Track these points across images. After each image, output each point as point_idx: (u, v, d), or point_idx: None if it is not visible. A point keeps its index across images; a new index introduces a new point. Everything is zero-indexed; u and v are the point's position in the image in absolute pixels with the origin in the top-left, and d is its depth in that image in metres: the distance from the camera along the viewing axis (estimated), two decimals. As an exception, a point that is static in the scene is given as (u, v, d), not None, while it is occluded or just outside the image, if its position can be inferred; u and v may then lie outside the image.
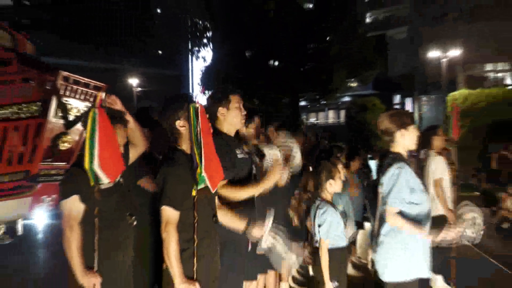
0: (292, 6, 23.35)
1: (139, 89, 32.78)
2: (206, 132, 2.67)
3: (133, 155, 3.40)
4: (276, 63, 24.59)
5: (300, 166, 4.35)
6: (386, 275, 3.05)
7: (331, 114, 42.43)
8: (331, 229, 3.45)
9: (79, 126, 6.18)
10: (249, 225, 3.01)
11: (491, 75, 28.25)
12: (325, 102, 30.00)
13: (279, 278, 5.31)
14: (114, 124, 3.06)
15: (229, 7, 23.25)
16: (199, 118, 2.65)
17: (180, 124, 2.86)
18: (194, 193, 2.69)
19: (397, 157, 3.09)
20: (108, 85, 6.95)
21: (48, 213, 9.52)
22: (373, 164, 7.99)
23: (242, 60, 24.25)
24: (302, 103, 28.93)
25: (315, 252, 3.58)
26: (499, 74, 28.23)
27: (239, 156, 3.33)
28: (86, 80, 6.42)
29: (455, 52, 21.76)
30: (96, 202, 2.91)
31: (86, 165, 2.82)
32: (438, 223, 5.73)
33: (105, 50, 34.80)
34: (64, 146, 6.23)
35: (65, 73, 6.07)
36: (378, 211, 3.19)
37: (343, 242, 3.58)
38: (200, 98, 28.12)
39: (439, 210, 5.72)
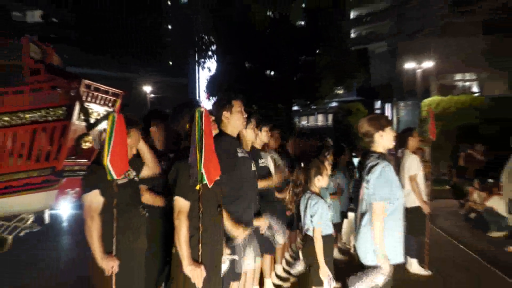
0: (285, 24, 23.42)
1: (152, 95, 32.77)
2: (208, 134, 2.66)
3: (145, 173, 3.35)
4: (272, 73, 24.62)
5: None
6: (366, 260, 3.04)
7: (320, 117, 42.38)
8: (322, 219, 3.45)
9: (98, 127, 6.19)
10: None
11: (460, 83, 28.27)
12: (314, 107, 30.02)
13: (274, 261, 5.32)
14: (129, 129, 3.05)
15: (231, 25, 23.29)
16: (203, 121, 2.64)
17: (190, 126, 2.87)
18: (198, 187, 2.68)
19: (381, 157, 3.08)
20: (125, 92, 6.94)
21: (71, 204, 9.52)
22: (356, 161, 8.01)
23: (242, 70, 24.29)
24: (295, 108, 28.92)
25: (305, 239, 3.58)
26: (467, 83, 28.27)
27: (240, 155, 3.33)
28: (105, 87, 6.42)
29: (428, 64, 21.79)
30: (114, 195, 2.91)
31: (105, 161, 2.81)
32: (414, 213, 5.78)
33: (122, 61, 34.80)
34: (85, 145, 6.22)
35: (87, 81, 6.06)
36: (359, 204, 3.19)
37: (330, 230, 3.57)
38: (206, 103, 28.13)
39: (415, 202, 5.74)
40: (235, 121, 3.31)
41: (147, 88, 32.25)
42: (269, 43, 22.52)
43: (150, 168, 3.35)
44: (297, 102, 26.29)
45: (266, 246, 4.27)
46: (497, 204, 8.24)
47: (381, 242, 2.88)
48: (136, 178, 3.19)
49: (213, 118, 3.00)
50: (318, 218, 3.46)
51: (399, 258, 3.00)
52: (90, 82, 6.13)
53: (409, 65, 22.93)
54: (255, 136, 3.90)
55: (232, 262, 3.18)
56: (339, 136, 25.26)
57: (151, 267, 3.49)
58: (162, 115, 3.77)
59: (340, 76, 23.94)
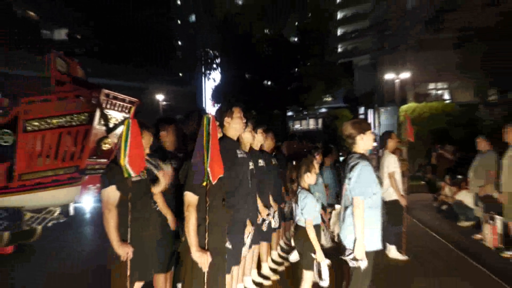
0: (280, 41, 23.51)
1: (164, 103, 32.75)
2: (214, 137, 2.66)
3: (157, 188, 3.35)
4: (269, 83, 24.68)
5: None
6: (349, 246, 3.01)
7: (311, 122, 42.43)
8: (311, 210, 3.45)
9: (116, 131, 6.19)
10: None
11: (433, 92, 28.34)
12: (306, 112, 30.09)
13: (270, 247, 5.32)
14: (142, 131, 3.06)
15: (233, 42, 23.35)
16: (210, 126, 2.64)
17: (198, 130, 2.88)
18: (204, 183, 2.68)
19: (361, 157, 3.07)
20: (140, 100, 6.93)
21: (93, 198, 9.53)
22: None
23: (243, 81, 24.35)
24: (289, 114, 28.99)
25: (296, 228, 3.58)
26: (439, 91, 28.34)
27: (239, 155, 3.33)
28: (123, 96, 6.40)
29: (405, 75, 21.83)
30: (128, 190, 2.91)
31: (122, 161, 2.81)
32: (393, 206, 5.78)
33: (138, 72, 34.88)
34: (105, 147, 6.22)
35: (107, 91, 6.05)
36: (343, 198, 3.19)
37: (318, 221, 3.57)
38: (211, 110, 28.16)
39: (393, 196, 5.74)
40: (235, 126, 3.31)
41: (160, 97, 32.25)
42: (266, 58, 22.61)
43: (160, 186, 3.34)
44: (291, 108, 26.36)
45: (262, 234, 4.28)
46: (465, 197, 8.23)
47: (361, 231, 2.88)
48: (146, 176, 3.19)
49: (217, 123, 3.01)
50: (308, 210, 3.45)
51: (377, 245, 3.00)
52: (109, 91, 6.12)
53: (388, 76, 22.99)
54: (253, 138, 3.90)
55: (234, 247, 3.18)
56: (328, 138, 25.34)
57: (163, 253, 3.50)
58: (170, 121, 3.77)
59: (328, 86, 24.05)
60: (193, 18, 58.65)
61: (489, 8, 20.74)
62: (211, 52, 27.31)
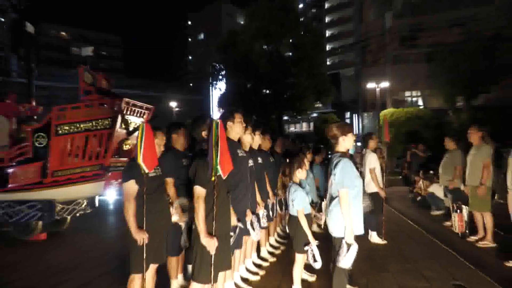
0: (276, 56, 23.57)
1: (177, 109, 32.77)
2: (222, 139, 2.67)
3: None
4: (267, 91, 24.68)
5: None
6: (334, 233, 3.04)
7: (304, 125, 42.44)
8: (301, 202, 3.45)
9: (136, 134, 6.20)
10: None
11: (409, 99, 28.36)
12: (300, 117, 30.04)
13: (268, 233, 5.32)
14: (156, 132, 3.08)
15: (236, 58, 23.41)
16: (219, 129, 2.66)
17: (205, 133, 2.90)
18: (213, 178, 2.69)
19: (343, 155, 3.07)
20: (155, 107, 6.93)
21: (115, 191, 9.54)
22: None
23: (245, 90, 24.33)
24: (285, 118, 28.94)
25: (290, 218, 3.58)
26: (414, 98, 28.36)
27: (240, 154, 3.34)
28: (141, 103, 6.42)
29: (384, 84, 21.82)
30: (145, 184, 2.91)
31: (139, 159, 2.82)
32: (374, 197, 5.78)
33: (155, 84, 34.95)
34: (126, 147, 6.23)
35: (127, 99, 6.06)
36: (328, 190, 3.19)
37: (308, 210, 3.57)
38: (218, 115, 28.12)
39: (374, 189, 5.75)
40: (236, 129, 3.31)
41: (173, 104, 32.28)
42: (264, 70, 22.65)
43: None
44: (286, 113, 26.32)
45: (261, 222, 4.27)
46: (436, 190, 8.24)
47: (349, 219, 2.88)
48: (160, 172, 3.19)
49: None
50: (298, 201, 3.44)
51: (360, 230, 3.00)
52: (129, 99, 6.13)
53: (370, 85, 23.00)
54: (252, 139, 3.90)
55: (241, 233, 3.19)
56: (318, 139, 25.36)
57: (175, 238, 3.50)
58: (180, 125, 3.78)
59: (318, 94, 24.07)
60: (201, 36, 58.74)
61: (454, 28, 20.81)
62: (217, 65, 27.30)
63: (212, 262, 2.68)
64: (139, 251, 2.85)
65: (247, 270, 4.23)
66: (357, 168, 3.11)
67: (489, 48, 17.95)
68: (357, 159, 13.50)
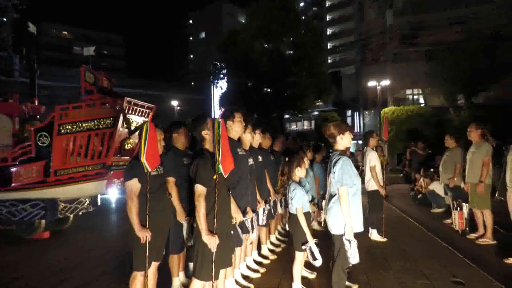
0: (277, 54, 23.55)
1: (178, 108, 32.81)
2: (224, 138, 2.70)
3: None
4: (268, 90, 24.66)
5: None
6: (334, 230, 3.05)
7: (305, 123, 42.39)
8: (300, 200, 3.47)
9: (137, 133, 6.20)
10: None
11: (410, 97, 28.34)
12: (301, 115, 30.02)
13: (269, 231, 5.34)
14: (157, 130, 3.09)
15: (236, 56, 23.40)
16: (221, 129, 2.67)
17: (205, 132, 2.91)
18: (215, 177, 2.71)
19: (341, 154, 3.08)
20: (157, 106, 6.93)
21: (117, 190, 9.57)
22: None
23: (246, 88, 24.33)
24: (286, 116, 28.92)
25: (290, 216, 3.58)
26: (415, 96, 28.34)
27: (240, 153, 3.36)
28: (142, 102, 6.42)
29: (385, 82, 21.80)
30: (147, 183, 2.93)
31: (142, 158, 2.84)
32: (374, 195, 5.80)
33: (157, 83, 34.95)
34: (128, 146, 6.24)
35: (128, 98, 6.06)
36: (328, 188, 3.20)
37: (308, 208, 3.58)
38: (219, 114, 28.10)
39: (374, 186, 5.76)
40: (236, 128, 3.33)
41: (175, 103, 32.31)
42: (265, 69, 22.63)
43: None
44: (287, 111, 26.31)
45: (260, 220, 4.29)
46: (437, 187, 8.25)
47: (349, 216, 2.89)
48: (163, 171, 3.21)
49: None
50: (297, 200, 3.45)
51: (359, 228, 3.01)
52: (131, 99, 6.14)
53: (371, 83, 22.98)
54: (252, 138, 3.92)
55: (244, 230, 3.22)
56: (319, 137, 25.32)
57: (178, 235, 3.53)
58: (180, 124, 3.79)
59: (319, 92, 24.05)
60: (202, 35, 58.73)
61: (455, 27, 20.76)
62: (218, 64, 27.29)
63: (213, 259, 2.70)
64: (141, 249, 2.88)
65: (248, 267, 4.26)
66: (357, 167, 3.13)
67: (489, 46, 17.92)
68: (358, 157, 13.54)
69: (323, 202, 6.59)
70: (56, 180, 5.93)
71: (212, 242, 2.66)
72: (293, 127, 43.38)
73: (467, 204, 5.90)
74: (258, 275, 4.19)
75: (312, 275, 4.13)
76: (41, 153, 6.04)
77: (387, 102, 23.82)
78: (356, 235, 2.97)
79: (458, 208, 6.05)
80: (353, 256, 2.84)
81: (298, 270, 3.57)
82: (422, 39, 24.07)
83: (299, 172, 3.55)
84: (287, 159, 3.72)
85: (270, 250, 5.10)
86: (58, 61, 50.50)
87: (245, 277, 4.04)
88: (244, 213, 3.33)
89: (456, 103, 20.12)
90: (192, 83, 52.64)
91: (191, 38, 61.75)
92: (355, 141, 31.12)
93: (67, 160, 5.96)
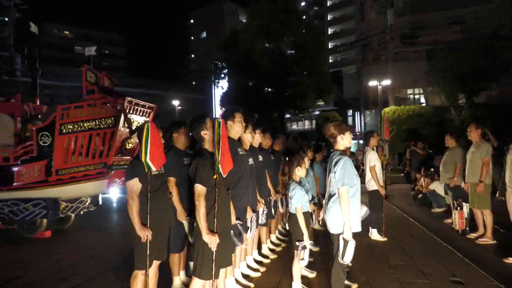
0: (278, 54, 23.56)
1: (180, 107, 32.84)
2: (224, 138, 2.70)
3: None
4: (269, 89, 24.66)
5: None
6: (332, 229, 3.06)
7: (306, 122, 42.39)
8: (299, 199, 3.47)
9: (137, 133, 6.21)
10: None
11: (411, 96, 28.32)
12: (302, 115, 30.01)
13: (269, 231, 5.35)
14: (160, 131, 3.10)
15: (237, 56, 23.41)
16: (221, 129, 2.68)
17: (203, 132, 2.91)
18: (215, 176, 2.72)
19: (342, 153, 3.08)
20: (158, 106, 6.94)
21: (118, 189, 9.59)
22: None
23: (247, 88, 24.33)
24: (287, 116, 28.92)
25: (290, 215, 3.59)
26: (416, 96, 28.32)
27: (240, 153, 3.37)
28: (143, 102, 6.43)
29: (386, 82, 21.79)
30: (148, 182, 2.94)
31: (143, 158, 2.85)
32: (374, 195, 5.81)
33: (158, 82, 34.95)
34: (129, 146, 6.25)
35: (129, 98, 6.07)
36: (327, 188, 3.21)
37: (307, 208, 3.59)
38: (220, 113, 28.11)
39: (374, 186, 5.77)
40: (236, 128, 3.34)
41: (176, 102, 32.34)
42: (266, 68, 22.64)
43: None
44: (288, 111, 26.31)
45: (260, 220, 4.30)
46: (437, 187, 8.25)
47: (348, 216, 2.90)
48: (163, 170, 3.22)
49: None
50: (296, 199, 3.46)
51: (357, 228, 3.02)
52: (132, 98, 6.15)
53: (372, 83, 22.99)
54: (252, 138, 3.93)
55: (244, 230, 3.22)
56: (320, 137, 25.31)
57: (178, 234, 3.54)
58: (180, 124, 3.80)
59: (320, 92, 24.05)
60: (204, 35, 58.73)
61: (455, 26, 20.75)
62: (219, 64, 27.30)
63: (214, 258, 2.71)
64: (142, 248, 2.89)
65: (248, 266, 4.27)
66: (357, 166, 3.14)
67: (489, 46, 17.92)
68: (359, 156, 13.53)
69: (323, 202, 6.63)
70: (58, 180, 5.95)
71: (212, 241, 2.67)
72: (294, 126, 43.37)
73: (467, 204, 5.90)
74: (258, 274, 4.20)
75: (312, 274, 4.15)
76: (42, 152, 6.06)
77: (388, 102, 23.82)
78: (356, 235, 2.98)
79: (459, 208, 6.06)
80: (347, 256, 2.86)
81: (298, 269, 3.58)
82: (423, 39, 24.07)
83: (299, 172, 3.55)
84: (287, 158, 3.72)
85: (271, 250, 5.11)
86: (60, 60, 50.56)
87: (246, 276, 4.05)
88: (243, 213, 3.35)
89: (457, 103, 20.11)
90: (193, 83, 52.64)
91: (192, 38, 61.77)
92: (356, 141, 31.16)
93: (68, 159, 5.98)
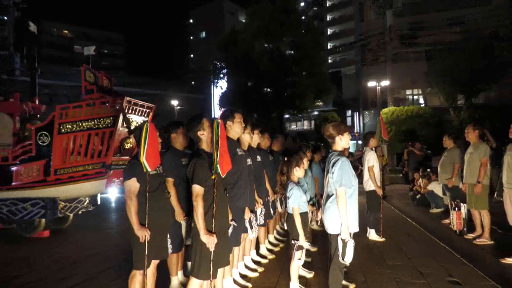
0: (277, 54, 23.56)
1: (179, 107, 32.81)
2: (222, 138, 2.71)
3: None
4: (268, 89, 24.66)
5: None
6: (330, 230, 3.07)
7: (305, 123, 42.34)
8: (296, 200, 3.47)
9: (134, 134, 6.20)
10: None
11: (409, 97, 28.35)
12: (300, 115, 30.00)
13: (268, 231, 5.36)
14: (159, 133, 3.10)
15: (237, 56, 23.41)
16: (219, 129, 2.69)
17: (200, 133, 2.91)
18: (213, 177, 2.72)
19: (340, 154, 3.09)
20: (157, 106, 6.94)
21: (117, 189, 9.59)
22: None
23: (245, 88, 24.33)
24: (286, 116, 28.91)
25: (288, 216, 3.59)
26: (415, 97, 28.36)
27: (239, 153, 3.37)
28: (142, 102, 6.43)
29: (385, 82, 21.81)
30: (146, 182, 2.95)
31: (141, 158, 2.86)
32: (372, 195, 5.82)
33: (157, 82, 34.91)
34: (127, 145, 6.26)
35: (128, 98, 6.07)
36: (325, 188, 3.22)
37: (305, 209, 3.60)
38: (219, 114, 28.14)
39: (371, 186, 5.79)
40: (235, 129, 3.35)
41: (175, 102, 32.32)
42: (265, 68, 22.64)
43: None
44: (287, 111, 26.31)
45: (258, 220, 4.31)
46: (435, 187, 8.27)
47: (345, 217, 2.91)
48: (162, 171, 3.23)
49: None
50: (293, 199, 3.46)
51: (354, 228, 3.03)
52: (131, 98, 6.15)
53: (371, 83, 23.00)
54: (251, 138, 3.94)
55: (234, 231, 3.23)
56: (319, 137, 25.33)
57: (176, 235, 3.55)
58: (179, 124, 3.80)
59: (319, 92, 24.07)
60: (203, 34, 58.70)
61: (454, 27, 20.79)
62: (218, 64, 27.29)
63: (212, 258, 2.72)
64: (140, 248, 2.89)
65: (246, 267, 4.28)
66: (356, 167, 3.15)
67: (488, 46, 17.95)
68: (358, 157, 13.56)
69: (322, 202, 6.64)
70: (56, 179, 5.95)
71: (210, 241, 2.68)
72: (293, 127, 43.35)
73: (465, 205, 5.92)
74: (256, 274, 4.21)
75: (309, 275, 4.16)
76: (41, 152, 6.06)
77: (387, 102, 23.86)
78: (354, 235, 3.00)
79: (456, 208, 6.07)
80: (347, 255, 2.86)
81: (296, 270, 3.58)
82: (422, 39, 24.10)
83: (298, 172, 3.56)
84: (286, 159, 3.72)
85: (269, 250, 5.12)
86: (59, 59, 50.51)
87: (243, 276, 4.06)
88: (241, 213, 3.35)
89: (456, 104, 20.14)
90: (192, 83, 52.63)
91: (191, 38, 61.74)
92: (355, 141, 31.18)
93: (67, 159, 5.98)
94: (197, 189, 2.71)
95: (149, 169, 2.90)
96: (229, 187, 3.03)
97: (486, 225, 5.47)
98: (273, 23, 22.29)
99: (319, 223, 5.16)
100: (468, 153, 5.71)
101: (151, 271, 3.05)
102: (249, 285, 3.85)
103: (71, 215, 6.75)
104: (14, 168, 6.12)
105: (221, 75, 27.31)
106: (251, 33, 23.07)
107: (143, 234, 2.87)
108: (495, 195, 6.07)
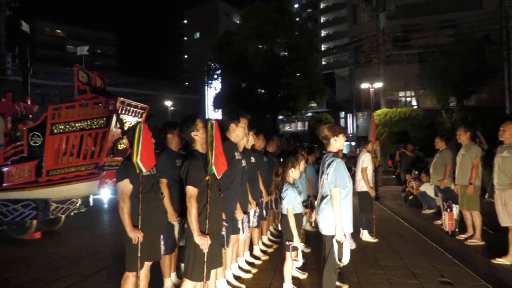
0: (271, 55, 23.60)
1: (172, 108, 32.71)
2: (217, 139, 2.70)
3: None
4: (262, 91, 24.66)
5: None
6: (325, 231, 3.07)
7: (299, 124, 42.44)
8: (291, 201, 3.48)
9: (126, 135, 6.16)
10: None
11: (402, 99, 28.56)
12: (294, 116, 30.05)
13: (261, 233, 5.36)
14: (152, 133, 3.08)
15: (231, 57, 23.39)
16: (214, 130, 2.68)
17: (194, 134, 2.90)
18: (207, 178, 2.71)
19: (335, 155, 3.10)
20: (151, 106, 6.90)
21: (110, 191, 9.52)
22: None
23: (239, 89, 24.32)
24: (280, 117, 28.94)
25: (282, 217, 3.60)
26: (408, 99, 28.56)
27: (237, 157, 3.37)
28: (136, 103, 6.39)
29: (378, 84, 21.92)
30: (139, 184, 2.93)
31: (134, 159, 2.84)
32: (364, 196, 5.85)
33: (151, 82, 34.73)
34: (120, 146, 6.21)
35: (122, 98, 6.02)
36: (320, 189, 3.22)
37: (299, 210, 3.60)
38: (213, 115, 28.14)
39: (364, 187, 5.82)
40: (237, 132, 3.34)
41: (168, 103, 32.22)
42: (259, 69, 22.66)
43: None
44: (281, 112, 26.35)
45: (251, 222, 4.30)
46: (428, 189, 8.32)
47: (340, 218, 2.91)
48: (155, 172, 3.21)
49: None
50: (288, 200, 3.46)
51: (349, 229, 3.03)
52: (124, 99, 6.11)
53: (364, 85, 23.13)
54: (247, 141, 3.93)
55: (226, 232, 3.22)
56: (313, 139, 25.42)
57: (169, 236, 3.53)
58: (174, 125, 3.78)
59: (312, 94, 24.14)
60: (197, 35, 58.60)
61: (445, 30, 21.00)
62: (212, 64, 27.24)
63: (205, 260, 2.70)
64: (133, 250, 2.87)
65: (240, 268, 4.27)
66: (349, 168, 3.16)
67: (479, 49, 18.16)
68: (352, 158, 13.62)
69: (315, 203, 6.65)
70: (48, 180, 5.89)
71: (204, 242, 2.66)
72: (287, 128, 43.42)
73: (457, 206, 5.96)
74: (249, 275, 4.21)
75: (303, 276, 4.16)
76: (33, 153, 6.00)
77: (380, 104, 24.00)
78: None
79: (448, 209, 6.12)
80: (344, 256, 2.87)
81: (289, 271, 3.59)
82: (415, 42, 24.32)
83: (293, 174, 3.55)
84: (281, 160, 3.72)
85: (262, 251, 5.12)
86: (52, 59, 50.07)
87: (237, 278, 4.05)
88: (233, 214, 3.35)
89: (448, 106, 20.31)
90: (186, 83, 52.51)
91: (185, 38, 61.60)
92: (349, 143, 31.32)
93: (59, 160, 5.92)
94: (191, 190, 2.70)
95: (144, 170, 2.89)
96: (222, 189, 3.02)
97: (478, 226, 5.53)
98: (267, 24, 22.32)
99: (313, 224, 5.17)
100: (460, 155, 5.76)
101: (144, 273, 3.03)
102: (243, 286, 3.84)
103: (63, 216, 6.69)
104: (5, 169, 6.05)
105: (215, 76, 27.26)
106: (245, 34, 23.08)
107: (136, 236, 2.85)
108: (486, 196, 6.12)
